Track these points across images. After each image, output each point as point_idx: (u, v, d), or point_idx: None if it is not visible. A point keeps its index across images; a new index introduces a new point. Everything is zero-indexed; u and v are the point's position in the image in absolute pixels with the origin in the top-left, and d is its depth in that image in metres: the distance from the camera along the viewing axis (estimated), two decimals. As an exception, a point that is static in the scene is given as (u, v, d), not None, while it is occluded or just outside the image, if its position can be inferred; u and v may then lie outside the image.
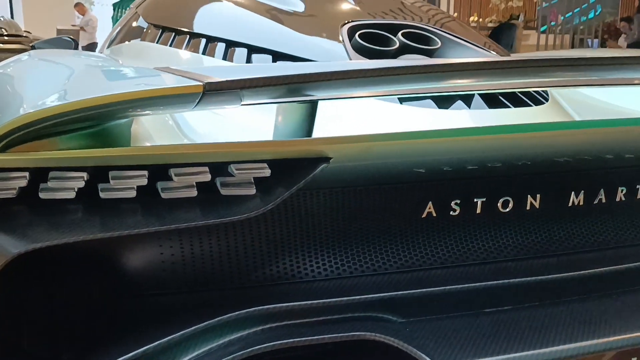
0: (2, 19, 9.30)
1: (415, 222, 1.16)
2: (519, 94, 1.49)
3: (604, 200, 1.25)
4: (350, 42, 1.67)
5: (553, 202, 1.22)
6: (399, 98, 1.41)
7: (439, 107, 1.40)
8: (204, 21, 2.05)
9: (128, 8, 3.18)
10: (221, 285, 1.09)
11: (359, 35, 1.67)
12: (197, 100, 0.89)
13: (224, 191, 1.00)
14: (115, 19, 7.36)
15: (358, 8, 1.92)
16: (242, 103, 0.93)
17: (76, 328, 1.06)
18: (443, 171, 1.11)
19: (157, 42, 2.14)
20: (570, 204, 1.22)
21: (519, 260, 1.21)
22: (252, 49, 1.75)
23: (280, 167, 1.00)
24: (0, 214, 0.95)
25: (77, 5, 12.15)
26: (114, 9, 7.78)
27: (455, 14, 9.94)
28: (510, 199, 1.18)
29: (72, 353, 1.02)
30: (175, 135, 1.20)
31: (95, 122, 0.97)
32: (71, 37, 3.49)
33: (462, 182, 1.14)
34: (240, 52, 1.77)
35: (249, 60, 1.74)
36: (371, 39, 1.66)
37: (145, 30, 2.33)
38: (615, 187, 1.26)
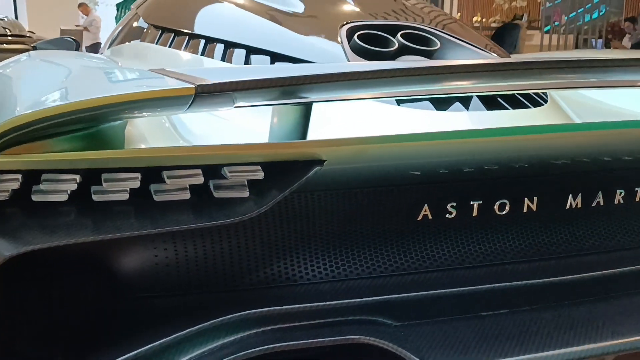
0: (5, 19, 9.31)
1: (410, 225, 1.15)
2: (518, 96, 1.49)
3: (601, 203, 1.24)
4: (349, 43, 1.67)
5: (550, 205, 1.21)
6: (396, 100, 1.40)
7: (437, 109, 1.39)
8: (203, 22, 2.04)
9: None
10: (215, 288, 1.09)
11: (357, 37, 1.67)
12: (190, 103, 0.89)
13: (217, 194, 0.99)
14: (118, 19, 7.36)
15: (358, 9, 1.91)
16: (236, 105, 0.93)
17: (70, 330, 1.06)
18: (438, 174, 1.10)
19: (156, 43, 2.14)
20: (567, 207, 1.22)
21: (515, 263, 1.21)
22: (251, 50, 1.75)
23: (274, 170, 1.00)
24: None
25: (80, 5, 12.16)
26: (117, 9, 7.78)
27: (459, 14, 9.93)
28: (506, 201, 1.17)
29: (65, 355, 1.01)
30: (171, 138, 1.19)
31: (88, 124, 0.96)
32: (73, 37, 3.49)
33: (457, 184, 1.13)
34: (239, 53, 1.77)
35: (247, 61, 1.73)
36: (370, 40, 1.66)
37: (145, 31, 2.33)
38: (613, 189, 1.25)
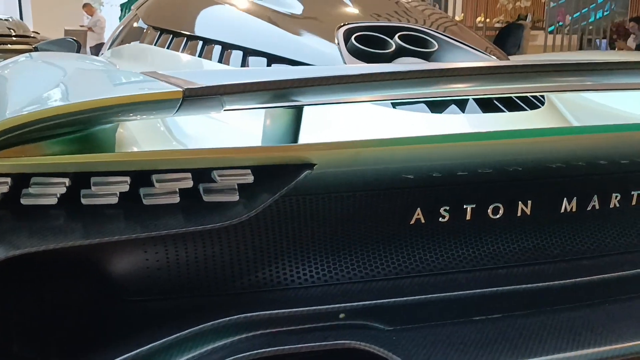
0: (10, 19, 9.33)
1: (403, 229, 1.14)
2: (514, 98, 1.48)
3: (597, 207, 1.23)
4: (346, 44, 1.66)
5: (544, 209, 1.20)
6: (392, 102, 1.39)
7: (432, 112, 1.38)
8: (201, 23, 2.04)
9: (133, 9, 3.18)
10: (205, 292, 1.08)
11: (355, 38, 1.66)
12: (178, 106, 0.88)
13: (206, 198, 0.99)
14: (122, 20, 7.37)
15: (356, 10, 1.91)
16: (225, 109, 0.93)
17: (56, 333, 1.06)
18: (431, 177, 1.09)
19: (155, 45, 2.14)
20: (561, 211, 1.21)
21: (508, 267, 1.20)
22: (248, 52, 1.74)
23: (264, 174, 0.99)
24: None
25: (85, 5, 12.19)
26: (121, 10, 7.79)
27: (462, 15, 9.91)
28: (500, 205, 1.16)
29: (50, 357, 1.01)
30: (162, 141, 1.19)
31: (76, 127, 0.96)
32: (74, 38, 3.50)
33: (450, 188, 1.13)
34: (236, 55, 1.76)
35: (244, 63, 1.73)
36: (367, 42, 1.65)
37: (144, 32, 2.33)
38: (609, 193, 1.24)
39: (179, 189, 0.98)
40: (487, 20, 9.28)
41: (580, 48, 8.96)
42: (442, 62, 1.67)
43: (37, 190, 0.94)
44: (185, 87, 0.87)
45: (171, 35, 2.05)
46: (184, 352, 0.98)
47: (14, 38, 8.46)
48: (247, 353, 0.98)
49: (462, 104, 1.41)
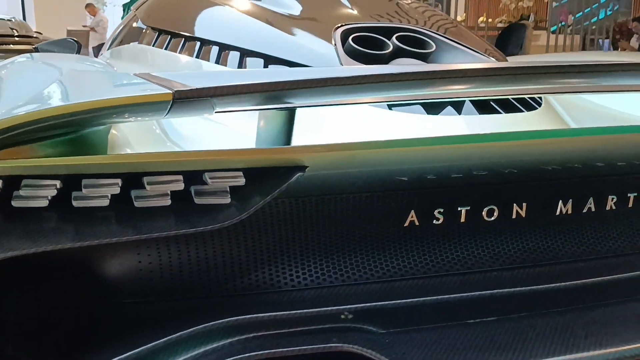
0: (13, 19, 9.38)
1: (396, 231, 1.14)
2: (511, 99, 1.47)
3: (593, 209, 1.22)
4: (343, 45, 1.66)
5: (539, 212, 1.20)
6: (387, 104, 1.39)
7: (428, 113, 1.38)
8: (199, 24, 2.04)
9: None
10: (197, 294, 1.08)
11: (352, 39, 1.65)
12: (168, 108, 0.88)
13: (198, 200, 0.98)
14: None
15: (354, 11, 1.90)
16: (216, 111, 0.92)
17: (52, 335, 1.05)
18: (425, 179, 1.09)
19: (153, 45, 2.14)
20: (557, 213, 1.20)
21: (502, 270, 1.19)
22: (245, 53, 1.74)
23: (255, 176, 0.99)
24: None
25: (88, 6, 12.20)
26: (123, 10, 7.81)
27: (464, 14, 9.88)
28: (495, 207, 1.15)
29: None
30: (155, 143, 1.19)
31: (67, 130, 0.96)
32: (74, 39, 3.51)
33: (444, 190, 1.12)
34: (234, 56, 1.76)
35: (241, 64, 1.72)
36: (365, 43, 1.64)
37: (143, 32, 2.33)
38: (605, 195, 1.23)
39: (171, 192, 0.97)
40: (490, 20, 9.25)
41: (583, 48, 8.93)
42: (440, 64, 1.67)
43: (27, 192, 0.94)
44: (175, 90, 0.86)
45: (169, 36, 2.05)
46: (177, 355, 0.98)
47: (16, 38, 8.50)
48: (239, 356, 0.97)
49: (458, 106, 1.41)
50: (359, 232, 1.13)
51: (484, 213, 1.16)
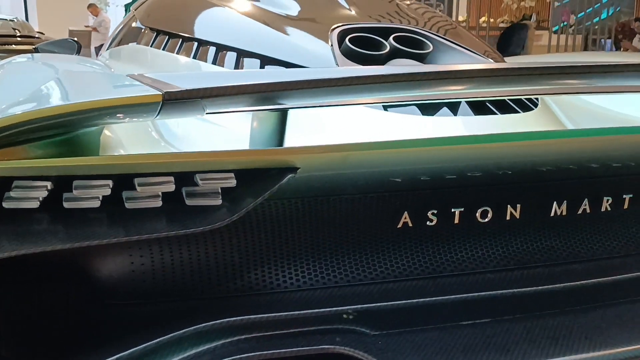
0: (15, 20, 9.40)
1: (390, 233, 1.13)
2: (507, 100, 1.46)
3: (588, 211, 1.22)
4: (339, 46, 1.65)
5: (534, 213, 1.19)
6: (382, 105, 1.38)
7: (423, 114, 1.37)
8: (196, 25, 2.04)
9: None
10: (188, 296, 1.08)
11: (349, 40, 1.65)
12: (158, 110, 0.88)
13: (189, 201, 0.98)
14: (124, 20, 7.38)
15: (351, 12, 1.90)
16: (207, 112, 0.92)
17: (44, 336, 1.05)
18: (418, 181, 1.08)
19: (151, 46, 2.14)
20: (551, 215, 1.19)
21: (497, 272, 1.19)
22: (242, 53, 1.74)
23: (247, 177, 0.99)
24: None
25: (90, 6, 12.22)
26: (125, 10, 7.82)
27: (466, 15, 9.86)
28: (489, 209, 1.15)
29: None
30: (146, 144, 1.18)
31: (57, 131, 0.95)
32: (74, 39, 3.51)
33: (438, 191, 1.12)
34: (230, 57, 1.76)
35: (238, 65, 1.72)
36: (362, 43, 1.64)
37: (141, 33, 2.33)
38: (600, 197, 1.23)
39: (162, 193, 0.97)
40: (492, 20, 9.24)
41: (585, 48, 8.91)
42: (436, 64, 1.66)
43: (18, 193, 0.93)
44: (165, 91, 0.86)
45: (167, 37, 2.05)
46: (168, 357, 0.98)
47: (18, 38, 8.52)
48: (231, 358, 0.97)
49: (454, 107, 1.40)
50: (352, 233, 1.12)
51: (478, 214, 1.15)
